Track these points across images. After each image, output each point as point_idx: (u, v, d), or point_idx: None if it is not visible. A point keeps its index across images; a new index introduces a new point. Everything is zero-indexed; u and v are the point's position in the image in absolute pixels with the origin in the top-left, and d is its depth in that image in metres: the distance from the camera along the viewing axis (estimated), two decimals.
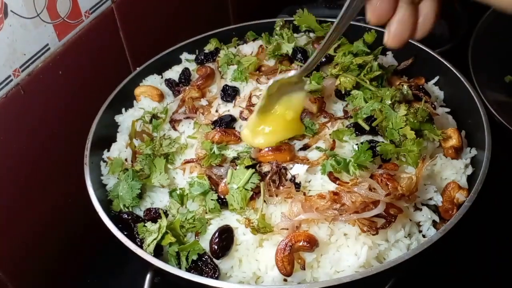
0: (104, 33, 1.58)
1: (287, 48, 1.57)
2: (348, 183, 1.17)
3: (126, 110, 1.58)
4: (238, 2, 2.24)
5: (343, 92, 1.42)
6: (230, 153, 1.27)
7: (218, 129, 1.37)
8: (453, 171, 1.30)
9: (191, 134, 1.42)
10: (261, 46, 1.66)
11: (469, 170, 1.31)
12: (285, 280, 1.12)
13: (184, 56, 1.73)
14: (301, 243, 1.08)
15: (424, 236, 1.20)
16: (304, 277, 1.12)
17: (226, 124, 1.40)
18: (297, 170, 1.23)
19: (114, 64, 1.67)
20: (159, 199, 1.34)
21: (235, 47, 1.71)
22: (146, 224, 1.20)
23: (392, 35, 0.95)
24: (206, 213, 1.23)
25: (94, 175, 1.35)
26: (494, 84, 1.79)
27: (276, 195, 1.20)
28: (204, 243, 1.18)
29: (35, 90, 1.37)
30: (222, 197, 1.22)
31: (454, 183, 1.25)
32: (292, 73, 1.28)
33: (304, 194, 1.19)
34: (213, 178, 1.26)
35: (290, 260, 1.08)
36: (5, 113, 1.30)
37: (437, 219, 1.22)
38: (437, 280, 1.49)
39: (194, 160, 1.34)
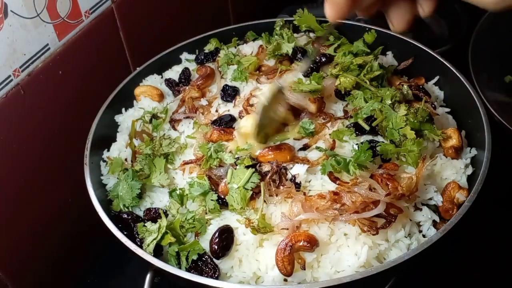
0: (104, 33, 1.58)
1: (287, 48, 1.57)
2: (348, 183, 1.17)
3: (126, 110, 1.58)
4: (238, 2, 2.24)
5: (343, 92, 1.42)
6: (228, 158, 1.27)
7: (217, 128, 1.37)
8: (453, 171, 1.30)
9: (190, 134, 1.42)
10: (261, 46, 1.66)
11: (469, 170, 1.31)
12: (285, 280, 1.12)
13: (184, 56, 1.73)
14: (301, 243, 1.08)
15: (424, 236, 1.20)
16: (304, 277, 1.12)
17: (226, 123, 1.40)
18: (297, 170, 1.23)
19: (114, 64, 1.67)
20: (159, 199, 1.34)
21: (235, 47, 1.71)
22: (146, 224, 1.20)
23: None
24: (206, 213, 1.23)
25: (94, 175, 1.35)
26: (494, 84, 1.78)
27: (276, 195, 1.20)
28: (204, 243, 1.18)
29: (35, 90, 1.37)
30: (222, 197, 1.22)
31: (454, 183, 1.25)
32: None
33: (304, 194, 1.19)
34: (213, 178, 1.26)
35: (290, 260, 1.08)
36: (5, 113, 1.30)
37: (437, 219, 1.22)
38: (437, 280, 1.49)
39: (193, 161, 1.34)
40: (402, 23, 0.96)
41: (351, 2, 0.91)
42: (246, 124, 1.34)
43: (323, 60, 1.52)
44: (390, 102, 1.33)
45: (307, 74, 1.50)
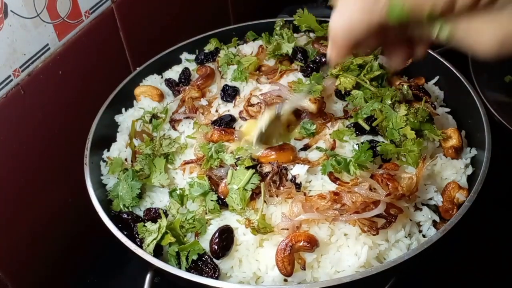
0: (104, 33, 1.58)
1: (287, 48, 1.57)
2: (348, 183, 1.17)
3: (126, 110, 1.58)
4: (238, 2, 2.24)
5: (343, 92, 1.42)
6: (228, 158, 1.27)
7: (217, 128, 1.37)
8: (453, 171, 1.30)
9: (190, 134, 1.42)
10: (261, 46, 1.66)
11: (469, 170, 1.31)
12: (285, 280, 1.12)
13: (184, 56, 1.73)
14: (301, 243, 1.08)
15: (424, 236, 1.20)
16: (304, 277, 1.12)
17: (226, 124, 1.40)
18: (298, 170, 1.23)
19: (114, 64, 1.67)
20: (159, 199, 1.34)
21: (235, 47, 1.71)
22: (146, 224, 1.20)
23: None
24: (206, 213, 1.23)
25: (94, 175, 1.35)
26: (494, 84, 1.78)
27: (277, 196, 1.20)
28: (204, 243, 1.18)
29: (35, 90, 1.37)
30: (222, 197, 1.22)
31: (454, 183, 1.25)
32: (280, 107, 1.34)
33: (305, 194, 1.19)
34: (213, 178, 1.26)
35: (291, 260, 1.08)
36: (5, 113, 1.30)
37: (437, 219, 1.22)
38: (437, 280, 1.49)
39: (193, 161, 1.34)
40: (399, 63, 1.05)
41: (352, 47, 0.95)
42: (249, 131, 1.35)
43: (323, 60, 1.52)
44: (390, 102, 1.33)
45: (307, 74, 1.50)
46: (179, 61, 1.73)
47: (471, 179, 1.30)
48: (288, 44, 1.58)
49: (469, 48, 0.86)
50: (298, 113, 1.40)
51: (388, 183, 1.16)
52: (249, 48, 1.68)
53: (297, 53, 1.57)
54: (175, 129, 1.48)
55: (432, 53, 1.55)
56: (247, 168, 1.22)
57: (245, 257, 1.16)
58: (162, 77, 1.67)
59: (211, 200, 1.22)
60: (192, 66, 1.67)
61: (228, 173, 1.23)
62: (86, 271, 1.65)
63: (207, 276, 1.13)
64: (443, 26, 0.85)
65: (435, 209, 1.24)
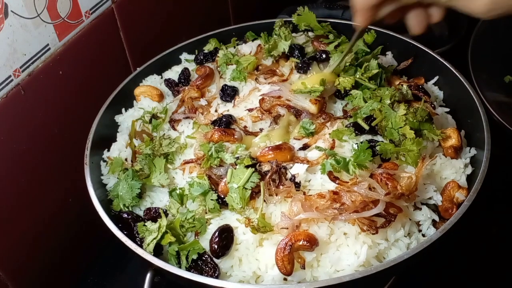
0: (104, 33, 1.59)
1: (284, 46, 1.57)
2: (348, 182, 1.17)
3: (126, 110, 1.58)
4: (238, 2, 2.24)
5: (342, 92, 1.42)
6: (228, 158, 1.27)
7: (218, 129, 1.37)
8: (452, 171, 1.30)
9: (190, 134, 1.42)
10: (259, 45, 1.66)
11: (469, 170, 1.31)
12: (285, 279, 1.12)
13: (184, 56, 1.73)
14: (301, 242, 1.08)
15: (423, 235, 1.20)
16: (304, 276, 1.12)
17: (225, 123, 1.40)
18: (297, 169, 1.23)
19: (114, 64, 1.67)
20: (159, 198, 1.34)
21: (234, 47, 1.71)
22: (146, 224, 1.21)
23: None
24: (206, 212, 1.23)
25: (94, 175, 1.35)
26: (493, 84, 1.79)
27: (276, 195, 1.20)
28: (204, 243, 1.18)
29: (36, 90, 1.38)
30: (222, 196, 1.22)
31: (453, 183, 1.25)
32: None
33: (304, 193, 1.19)
34: (213, 178, 1.26)
35: (290, 259, 1.08)
36: (5, 113, 1.30)
37: (436, 218, 1.22)
38: (437, 279, 1.49)
39: (193, 160, 1.35)
40: (418, 27, 1.17)
41: (375, 11, 1.09)
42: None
43: (322, 56, 1.52)
44: (389, 101, 1.33)
45: (305, 71, 1.50)
46: (178, 61, 1.73)
47: (470, 178, 1.30)
48: (285, 42, 1.58)
49: (465, 7, 1.01)
50: (298, 112, 1.40)
51: (388, 182, 1.16)
52: (247, 48, 1.68)
53: (294, 50, 1.57)
54: (174, 129, 1.48)
55: (432, 53, 1.55)
56: (247, 167, 1.22)
57: (245, 256, 1.16)
58: (161, 77, 1.67)
59: (211, 200, 1.22)
60: (192, 66, 1.67)
61: (227, 172, 1.23)
62: (86, 271, 1.65)
63: (207, 276, 1.13)
64: None
65: (434, 208, 1.25)
